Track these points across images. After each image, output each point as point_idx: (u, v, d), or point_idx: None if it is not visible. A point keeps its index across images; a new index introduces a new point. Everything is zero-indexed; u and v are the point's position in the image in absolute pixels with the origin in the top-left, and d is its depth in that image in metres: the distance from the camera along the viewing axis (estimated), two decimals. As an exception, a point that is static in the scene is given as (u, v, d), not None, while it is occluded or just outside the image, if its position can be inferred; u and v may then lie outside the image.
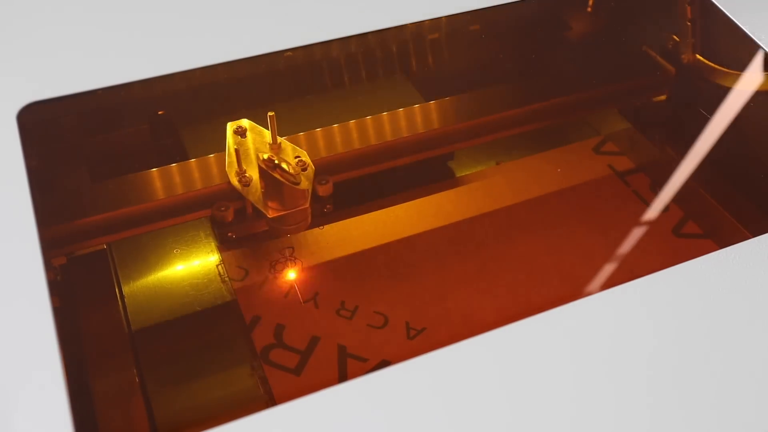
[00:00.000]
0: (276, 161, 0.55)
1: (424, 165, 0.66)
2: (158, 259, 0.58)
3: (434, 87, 0.71)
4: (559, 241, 0.60)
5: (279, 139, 0.57)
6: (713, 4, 0.61)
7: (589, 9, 0.76)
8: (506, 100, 0.69)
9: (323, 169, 0.59)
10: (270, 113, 0.56)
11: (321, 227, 0.59)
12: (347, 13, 0.58)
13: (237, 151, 0.56)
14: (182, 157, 0.62)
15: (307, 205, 0.57)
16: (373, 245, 0.58)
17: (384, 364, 0.51)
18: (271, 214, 0.56)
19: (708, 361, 0.40)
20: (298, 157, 0.57)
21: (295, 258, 0.57)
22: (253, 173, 0.56)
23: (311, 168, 0.57)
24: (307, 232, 0.59)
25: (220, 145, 0.58)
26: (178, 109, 0.66)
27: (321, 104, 0.69)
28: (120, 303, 0.54)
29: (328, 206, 0.60)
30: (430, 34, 0.71)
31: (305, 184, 0.56)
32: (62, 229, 0.54)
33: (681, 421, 0.38)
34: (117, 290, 0.55)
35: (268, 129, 0.57)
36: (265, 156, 0.55)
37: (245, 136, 0.58)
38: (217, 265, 0.57)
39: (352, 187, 0.62)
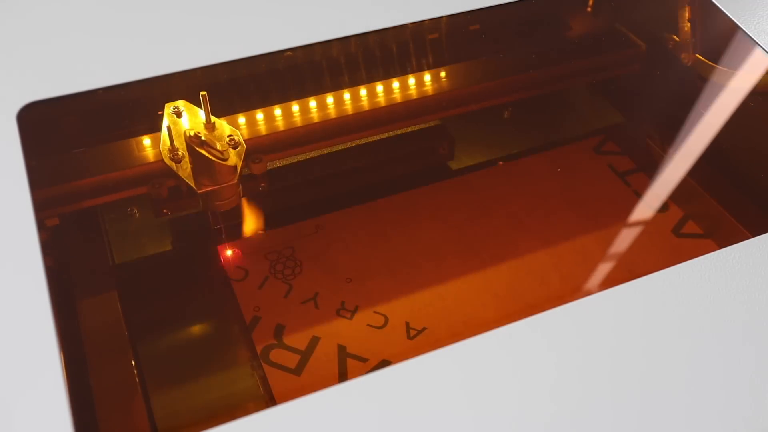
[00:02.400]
0: (203, 138, 0.56)
1: (424, 165, 0.66)
2: (158, 258, 0.58)
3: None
4: (559, 241, 0.60)
5: (213, 119, 0.58)
6: (713, 4, 0.61)
7: (589, 9, 0.76)
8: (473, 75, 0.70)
9: (259, 149, 0.61)
10: (202, 93, 0.57)
11: (317, 229, 0.59)
12: (347, 13, 0.58)
13: (169, 128, 0.57)
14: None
15: (236, 180, 0.57)
16: (373, 245, 0.58)
17: (384, 364, 0.51)
18: (199, 189, 0.56)
19: (708, 362, 0.40)
20: (231, 135, 0.58)
21: (296, 258, 0.57)
22: (186, 152, 0.58)
23: (242, 146, 0.57)
24: (306, 232, 0.59)
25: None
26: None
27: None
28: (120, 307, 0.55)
29: (262, 184, 0.61)
30: (430, 34, 0.71)
31: (234, 160, 0.56)
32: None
33: (681, 421, 0.38)
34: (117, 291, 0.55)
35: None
36: (192, 133, 0.56)
37: (181, 116, 0.58)
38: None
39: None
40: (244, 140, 0.58)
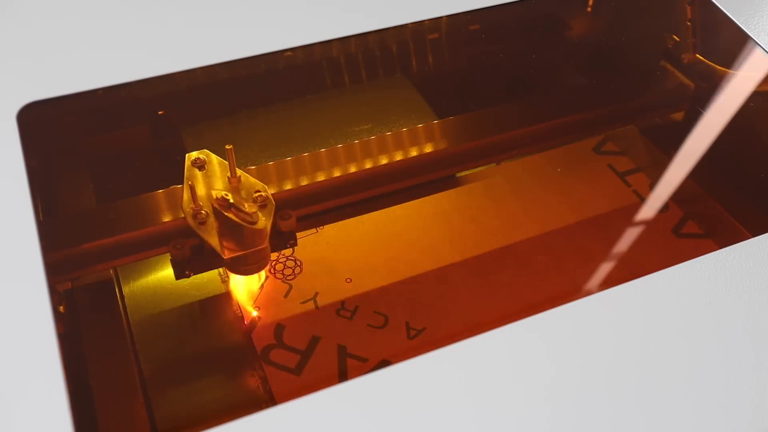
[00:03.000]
0: (231, 200, 0.51)
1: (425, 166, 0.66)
2: (158, 259, 0.58)
3: (434, 87, 0.71)
4: (558, 241, 0.60)
5: (239, 171, 0.53)
6: (713, 4, 0.61)
7: (589, 9, 0.76)
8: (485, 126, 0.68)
9: (286, 203, 0.56)
10: (228, 146, 0.52)
11: (317, 229, 0.59)
12: (347, 13, 0.58)
13: (192, 186, 0.52)
14: (183, 158, 0.62)
15: (266, 244, 0.52)
16: (374, 245, 0.58)
17: (384, 364, 0.51)
18: (227, 255, 0.52)
19: (708, 362, 0.40)
20: (258, 191, 0.53)
21: (296, 258, 0.57)
22: (210, 210, 0.53)
23: (272, 204, 0.53)
24: (306, 232, 0.59)
25: (219, 146, 0.58)
26: (178, 109, 0.66)
27: (319, 103, 0.69)
28: (120, 303, 0.54)
29: (290, 242, 0.56)
30: (430, 34, 0.71)
31: (263, 222, 0.51)
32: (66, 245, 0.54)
33: (680, 421, 0.38)
34: (117, 290, 0.55)
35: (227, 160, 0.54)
36: (220, 195, 0.51)
37: (204, 169, 0.54)
38: None
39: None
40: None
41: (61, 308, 0.52)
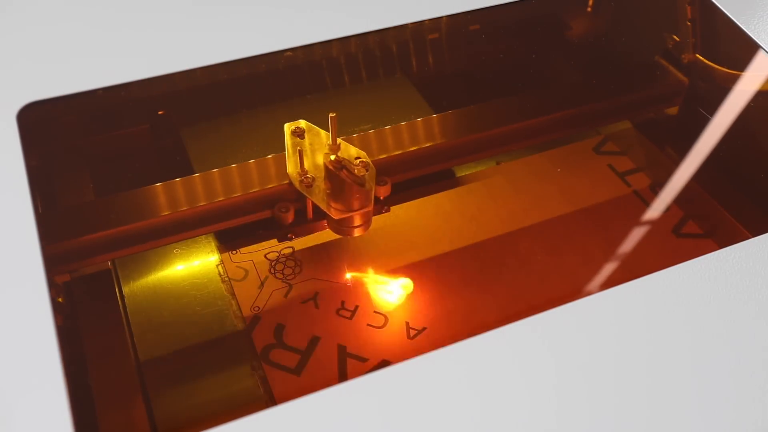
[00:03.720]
0: (342, 163, 0.54)
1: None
2: (158, 258, 0.58)
3: (434, 87, 0.71)
4: (559, 241, 0.60)
5: (338, 140, 0.56)
6: (713, 4, 0.61)
7: (589, 9, 0.76)
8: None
9: (380, 170, 0.59)
10: (332, 114, 0.54)
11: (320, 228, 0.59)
12: (347, 13, 0.58)
13: (300, 152, 0.55)
14: (183, 158, 0.62)
15: (371, 206, 0.56)
16: (374, 244, 0.58)
17: (384, 364, 0.51)
18: (335, 216, 0.55)
19: (709, 362, 0.40)
20: (359, 158, 0.56)
21: (296, 258, 0.57)
22: (316, 174, 0.56)
23: (373, 169, 0.56)
24: (306, 232, 0.59)
25: (221, 145, 0.58)
26: (178, 109, 0.66)
27: (319, 103, 0.69)
28: (120, 303, 0.54)
29: (386, 207, 0.60)
30: (430, 34, 0.71)
31: (370, 184, 0.55)
32: (65, 239, 0.54)
33: (680, 421, 0.38)
34: (117, 290, 0.55)
35: (326, 130, 0.56)
36: (333, 157, 0.55)
37: (303, 137, 0.57)
38: (217, 265, 0.57)
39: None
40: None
41: (60, 299, 0.52)
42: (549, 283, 0.56)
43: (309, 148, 0.56)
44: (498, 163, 0.67)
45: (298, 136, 0.57)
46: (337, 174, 0.54)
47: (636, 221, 0.63)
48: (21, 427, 0.35)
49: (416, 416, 0.37)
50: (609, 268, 0.58)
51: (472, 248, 0.59)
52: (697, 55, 0.67)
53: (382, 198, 0.59)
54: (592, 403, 0.38)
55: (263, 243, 0.58)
